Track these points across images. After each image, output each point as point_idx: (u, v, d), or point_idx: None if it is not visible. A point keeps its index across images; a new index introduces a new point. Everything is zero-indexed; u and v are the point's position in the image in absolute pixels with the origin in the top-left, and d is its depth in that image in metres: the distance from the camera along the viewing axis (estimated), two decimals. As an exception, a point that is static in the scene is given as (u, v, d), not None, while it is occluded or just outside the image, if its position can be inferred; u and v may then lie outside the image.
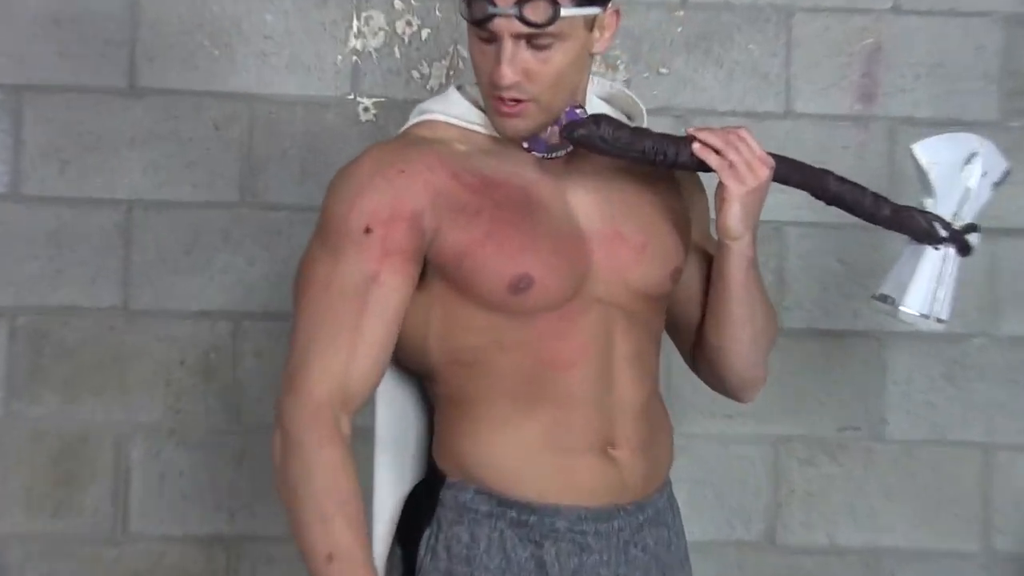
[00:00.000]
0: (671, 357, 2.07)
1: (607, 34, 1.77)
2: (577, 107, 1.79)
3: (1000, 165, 1.95)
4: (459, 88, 1.85)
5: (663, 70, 2.86)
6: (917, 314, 1.90)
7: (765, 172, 1.77)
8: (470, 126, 1.81)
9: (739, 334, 1.88)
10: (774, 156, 1.80)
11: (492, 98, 1.76)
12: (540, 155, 1.80)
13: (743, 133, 1.78)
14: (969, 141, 1.91)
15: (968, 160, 1.90)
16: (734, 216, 1.78)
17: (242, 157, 2.80)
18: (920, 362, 2.87)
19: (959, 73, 2.84)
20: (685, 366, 2.04)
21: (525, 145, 1.78)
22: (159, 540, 2.79)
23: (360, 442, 1.82)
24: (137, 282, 2.82)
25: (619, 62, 2.84)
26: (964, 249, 1.93)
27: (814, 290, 2.86)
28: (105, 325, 2.81)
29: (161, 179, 2.81)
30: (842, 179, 1.86)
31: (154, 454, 2.81)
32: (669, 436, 1.89)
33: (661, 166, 1.78)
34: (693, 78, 2.86)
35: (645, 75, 2.85)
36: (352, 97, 2.81)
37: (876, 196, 1.88)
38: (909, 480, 2.85)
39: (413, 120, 1.85)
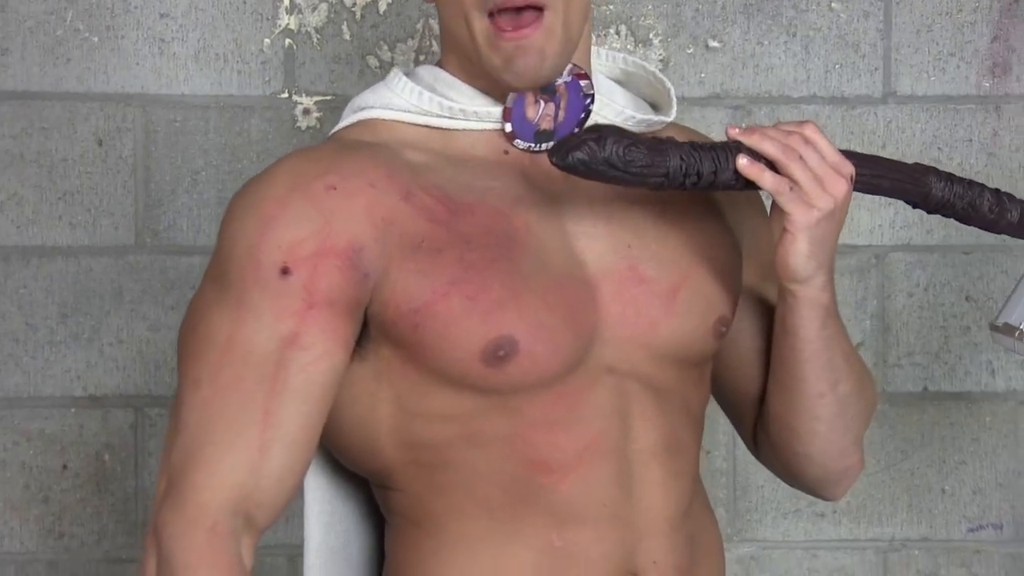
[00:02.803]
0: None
1: None
2: (581, 75, 1.69)
3: None
4: (406, 74, 1.79)
5: (714, 43, 2.79)
6: None
7: (843, 187, 1.66)
8: (426, 120, 1.73)
9: (817, 409, 1.78)
10: (850, 155, 1.69)
11: (484, 20, 1.65)
12: (526, 147, 1.70)
13: (809, 132, 1.66)
14: None
15: None
16: (799, 254, 1.67)
17: (137, 183, 2.73)
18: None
19: None
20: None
21: (508, 128, 1.69)
22: None
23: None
24: (-5, 360, 2.77)
25: (652, 35, 2.75)
26: None
27: (932, 339, 2.78)
28: (-49, 421, 2.74)
29: (25, 217, 2.73)
30: (950, 176, 1.77)
31: (27, 597, 2.75)
32: (719, 556, 1.81)
33: (695, 190, 1.69)
34: (756, 53, 2.77)
35: (689, 50, 2.77)
36: (286, 95, 2.75)
37: (999, 195, 1.79)
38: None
39: (346, 121, 1.78)
